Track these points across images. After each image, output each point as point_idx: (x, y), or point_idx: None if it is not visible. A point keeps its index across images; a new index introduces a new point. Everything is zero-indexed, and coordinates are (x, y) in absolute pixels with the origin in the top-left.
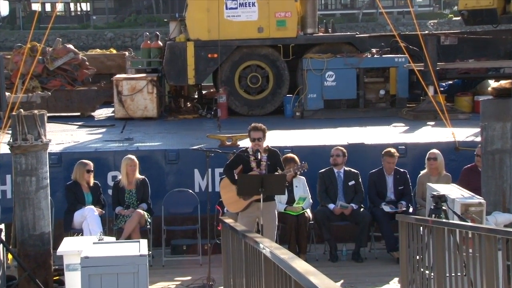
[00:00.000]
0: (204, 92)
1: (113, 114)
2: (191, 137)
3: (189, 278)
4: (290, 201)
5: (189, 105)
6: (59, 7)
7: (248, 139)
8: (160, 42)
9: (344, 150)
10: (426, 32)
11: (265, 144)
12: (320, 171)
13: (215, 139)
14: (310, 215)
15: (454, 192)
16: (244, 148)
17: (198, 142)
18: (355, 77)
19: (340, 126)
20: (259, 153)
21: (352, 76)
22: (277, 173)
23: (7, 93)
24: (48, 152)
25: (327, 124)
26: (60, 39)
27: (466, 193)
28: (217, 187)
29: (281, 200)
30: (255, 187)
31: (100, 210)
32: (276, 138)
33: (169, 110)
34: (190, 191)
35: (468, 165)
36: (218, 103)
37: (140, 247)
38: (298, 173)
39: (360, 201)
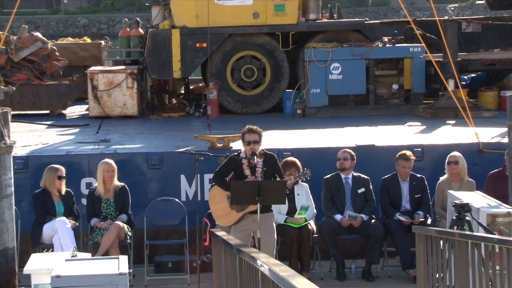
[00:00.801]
0: (191, 87)
1: (87, 112)
2: (177, 138)
3: None
4: (291, 211)
5: (174, 102)
6: None
7: (241, 141)
8: (141, 30)
9: (353, 153)
10: (446, 17)
11: (261, 148)
12: (325, 177)
13: (204, 141)
14: (314, 227)
15: (478, 200)
16: (236, 153)
17: (185, 144)
18: (364, 70)
19: (348, 125)
20: (255, 157)
21: (360, 68)
22: (277, 179)
23: None
24: (13, 156)
25: (333, 123)
26: (26, 26)
27: (493, 201)
28: (206, 195)
29: (280, 211)
30: (251, 195)
31: (73, 222)
32: (274, 139)
33: (152, 108)
34: (176, 200)
35: (495, 170)
36: (207, 100)
37: (119, 265)
38: (300, 180)
39: (371, 211)
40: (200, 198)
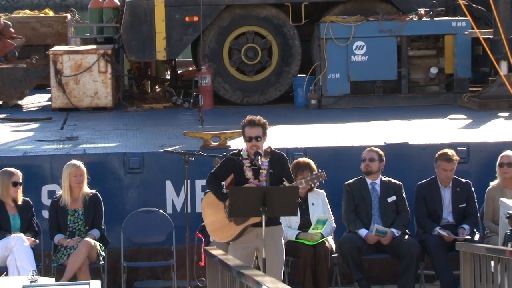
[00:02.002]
0: (179, 71)
1: (49, 103)
2: (162, 135)
3: None
4: (304, 225)
5: (158, 90)
6: None
7: (241, 138)
8: (116, 0)
9: (381, 153)
10: None
11: (266, 145)
12: (346, 182)
13: (195, 138)
14: (333, 245)
15: None
16: (236, 151)
17: (171, 142)
18: (395, 49)
19: (374, 118)
20: (259, 158)
21: (391, 47)
22: (285, 184)
23: None
24: None
25: (356, 117)
26: None
27: None
28: (198, 205)
29: (291, 224)
30: (254, 205)
31: (32, 239)
32: (282, 136)
33: (130, 98)
34: (161, 211)
35: None
36: (199, 87)
37: None
38: (314, 185)
39: (404, 225)
40: (191, 209)
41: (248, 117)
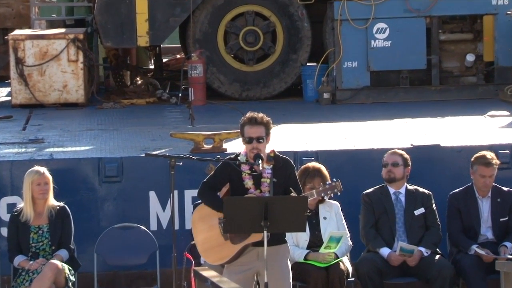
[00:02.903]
0: (165, 60)
1: (9, 99)
2: (144, 136)
3: None
4: (315, 243)
5: (139, 83)
6: None
7: (240, 140)
8: None
9: (406, 156)
10: None
11: (270, 148)
12: (365, 192)
13: (185, 140)
14: (349, 267)
15: None
16: (233, 155)
17: (155, 145)
18: (424, 33)
19: (399, 115)
20: (260, 162)
21: (419, 30)
22: (292, 195)
23: None
24: None
25: (377, 113)
26: None
27: None
28: (188, 221)
29: (298, 242)
30: (253, 219)
31: None
32: (289, 137)
33: (106, 91)
34: (143, 228)
35: None
36: (189, 79)
37: None
38: (327, 196)
39: (434, 243)
40: (179, 225)
41: (248, 115)
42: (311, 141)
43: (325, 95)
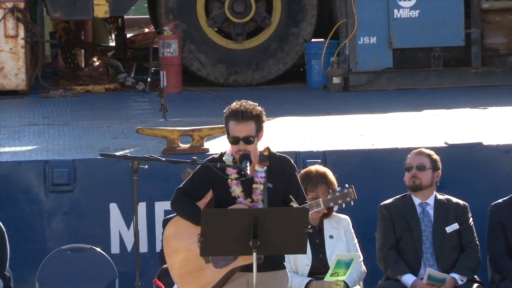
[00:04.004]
0: (129, 35)
1: None
2: (103, 133)
3: None
4: (319, 269)
5: (97, 64)
6: None
7: (225, 137)
8: None
9: (436, 157)
10: None
11: (262, 145)
12: (383, 203)
13: (155, 138)
14: None
15: None
16: (216, 155)
17: (117, 144)
18: (461, 1)
19: (430, 106)
20: (247, 165)
21: None
22: (293, 204)
23: None
24: None
25: (401, 103)
26: None
27: None
28: (160, 241)
29: (297, 268)
30: (239, 237)
31: None
32: (289, 133)
33: (54, 75)
34: (98, 249)
35: None
36: (160, 59)
37: None
38: (337, 207)
39: (471, 268)
40: (147, 247)
41: (234, 106)
42: (317, 138)
43: (335, 80)
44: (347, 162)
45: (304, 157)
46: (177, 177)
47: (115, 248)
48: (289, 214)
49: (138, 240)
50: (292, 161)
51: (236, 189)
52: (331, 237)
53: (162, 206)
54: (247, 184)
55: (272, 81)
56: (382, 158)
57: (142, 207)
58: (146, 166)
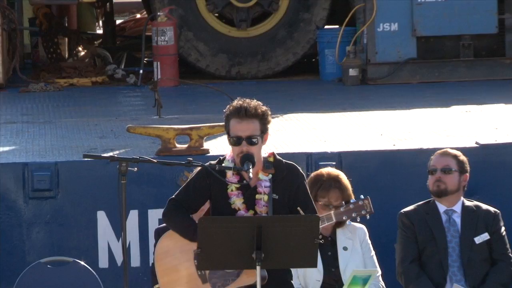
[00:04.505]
0: (119, 21)
1: None
2: (89, 132)
3: None
4: (331, 285)
5: (83, 54)
6: None
7: (226, 138)
8: None
9: (463, 159)
10: None
11: (268, 150)
12: (403, 210)
13: (148, 137)
14: None
15: None
16: (215, 161)
17: (106, 144)
18: None
19: (459, 101)
20: (249, 168)
21: None
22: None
23: None
24: None
25: (427, 98)
26: None
27: None
28: (152, 254)
29: (307, 284)
30: (241, 249)
31: None
32: (299, 133)
33: (34, 67)
34: (82, 263)
35: None
36: (154, 49)
37: None
38: (347, 219)
39: (503, 283)
40: (140, 260)
41: (236, 103)
42: (332, 138)
43: (352, 72)
44: (365, 165)
45: (316, 159)
46: (173, 182)
47: (103, 262)
48: (297, 223)
49: (126, 253)
50: (301, 170)
51: (237, 201)
52: (345, 249)
53: (156, 215)
54: (250, 194)
55: (280, 74)
56: (405, 160)
57: (133, 216)
58: (136, 168)
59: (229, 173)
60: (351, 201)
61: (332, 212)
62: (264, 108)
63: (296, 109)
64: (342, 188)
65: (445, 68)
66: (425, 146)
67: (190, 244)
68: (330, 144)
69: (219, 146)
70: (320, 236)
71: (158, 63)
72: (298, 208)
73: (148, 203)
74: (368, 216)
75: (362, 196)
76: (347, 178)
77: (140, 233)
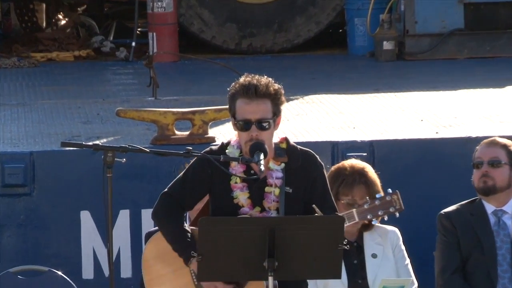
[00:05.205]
0: None
1: None
2: (71, 116)
3: None
4: None
5: (63, 23)
6: None
7: (230, 123)
8: None
9: None
10: None
11: (280, 135)
12: (444, 211)
13: (142, 122)
14: None
15: None
16: (216, 146)
17: (91, 131)
18: None
19: None
20: (260, 159)
21: None
22: (317, 215)
23: None
24: None
25: (476, 76)
26: None
27: None
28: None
29: None
30: (250, 256)
31: None
32: (322, 118)
33: (5, 39)
34: (59, 273)
35: None
36: (149, 17)
37: None
38: (377, 220)
39: None
40: (131, 269)
41: (243, 80)
42: (362, 124)
43: (387, 45)
44: (401, 156)
45: (343, 149)
46: (172, 177)
47: (87, 272)
48: (317, 225)
49: (112, 261)
50: (318, 158)
51: (241, 195)
52: (374, 256)
53: (148, 213)
54: (257, 187)
55: (300, 47)
56: (449, 150)
57: (124, 217)
58: (124, 159)
59: (234, 162)
60: (377, 196)
61: (353, 210)
62: (276, 86)
63: (320, 89)
64: (369, 183)
65: (498, 41)
66: (473, 134)
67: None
68: (360, 132)
69: (226, 134)
70: (345, 241)
71: (154, 34)
72: (314, 206)
73: (141, 201)
74: (397, 214)
75: (390, 190)
76: (375, 172)
77: (132, 238)
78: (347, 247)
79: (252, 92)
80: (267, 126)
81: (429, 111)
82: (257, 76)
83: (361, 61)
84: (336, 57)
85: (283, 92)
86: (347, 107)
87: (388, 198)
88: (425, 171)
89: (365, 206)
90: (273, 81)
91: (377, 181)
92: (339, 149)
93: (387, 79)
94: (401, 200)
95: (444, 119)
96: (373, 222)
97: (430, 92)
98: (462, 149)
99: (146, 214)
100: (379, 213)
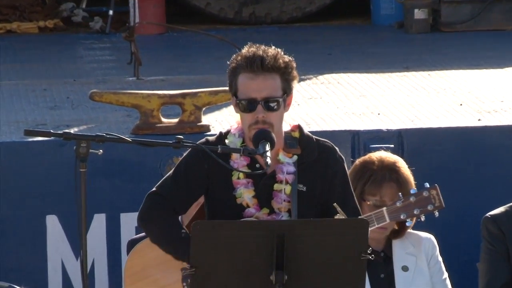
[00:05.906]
0: None
1: None
2: (35, 100)
3: None
4: None
5: None
6: None
7: (233, 109)
8: None
9: None
10: None
11: (291, 123)
12: (489, 213)
13: (121, 107)
14: None
15: None
16: (213, 136)
17: (59, 117)
18: None
19: None
20: (266, 150)
21: None
22: (338, 217)
23: None
24: None
25: None
26: None
27: None
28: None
29: None
30: (255, 268)
31: None
32: (341, 102)
33: None
34: None
35: None
36: None
37: None
38: (411, 221)
39: None
40: (109, 284)
41: (247, 50)
42: (389, 110)
43: (418, 14)
44: (436, 148)
45: (366, 140)
46: (158, 173)
47: (55, 285)
48: (336, 230)
49: (86, 275)
50: (338, 151)
51: (245, 193)
52: (405, 268)
53: (132, 220)
54: (264, 184)
55: (314, 16)
56: (494, 140)
57: (99, 222)
58: (100, 151)
59: (235, 154)
60: (411, 191)
61: (384, 209)
62: (287, 58)
63: (338, 67)
64: (401, 181)
65: None
66: None
67: (175, 260)
68: (386, 119)
69: (224, 121)
70: (370, 250)
71: (136, 0)
72: (335, 204)
73: (121, 203)
74: (436, 213)
75: (427, 185)
76: (408, 168)
77: (109, 246)
78: (372, 257)
79: (257, 65)
80: (275, 107)
81: (469, 94)
82: (263, 46)
83: (388, 33)
84: (357, 28)
85: (295, 65)
86: (370, 89)
87: (425, 193)
88: (465, 166)
89: (398, 204)
90: (282, 53)
91: (411, 179)
92: (360, 140)
93: (418, 55)
94: (441, 196)
95: (488, 103)
96: (407, 224)
97: (471, 70)
98: (510, 139)
99: (126, 219)
100: (415, 212)
